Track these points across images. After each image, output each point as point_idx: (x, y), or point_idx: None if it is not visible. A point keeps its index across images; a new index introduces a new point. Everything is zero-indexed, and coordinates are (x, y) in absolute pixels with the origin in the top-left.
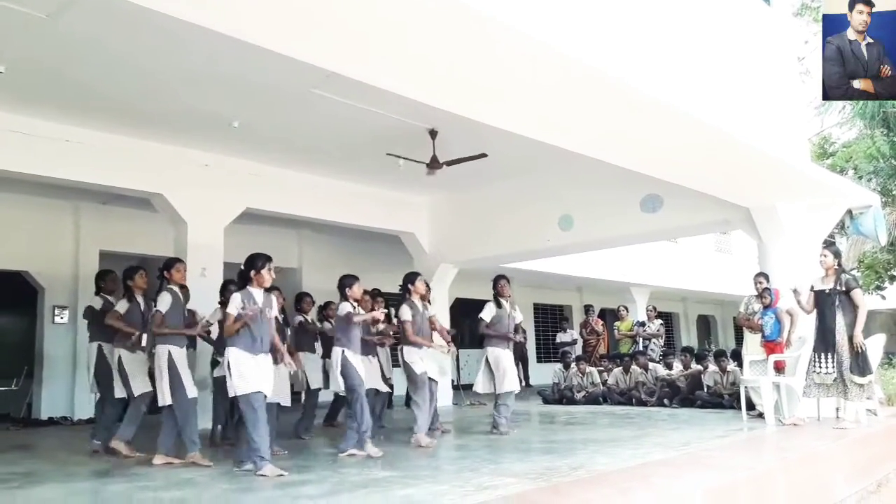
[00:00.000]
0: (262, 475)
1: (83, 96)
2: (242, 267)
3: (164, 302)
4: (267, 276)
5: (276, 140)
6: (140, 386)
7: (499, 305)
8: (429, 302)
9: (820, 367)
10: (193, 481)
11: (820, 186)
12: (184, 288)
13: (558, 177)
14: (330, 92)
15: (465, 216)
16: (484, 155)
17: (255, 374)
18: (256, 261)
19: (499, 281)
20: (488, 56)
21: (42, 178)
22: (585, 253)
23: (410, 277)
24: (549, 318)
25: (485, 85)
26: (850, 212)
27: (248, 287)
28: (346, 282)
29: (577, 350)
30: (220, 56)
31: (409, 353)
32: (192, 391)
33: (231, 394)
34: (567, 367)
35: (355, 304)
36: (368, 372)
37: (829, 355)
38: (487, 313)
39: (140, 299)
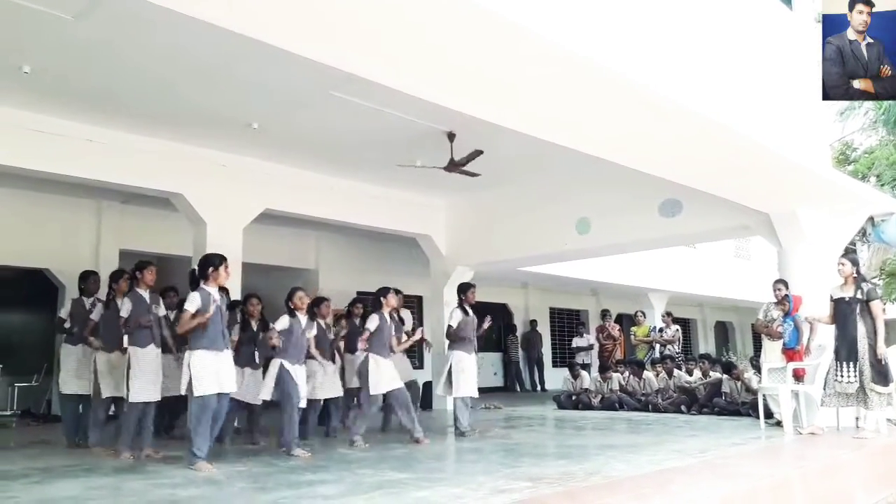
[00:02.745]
0: (196, 470)
1: (106, 97)
2: (197, 266)
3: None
4: (224, 273)
5: (295, 141)
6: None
7: (465, 313)
8: (400, 318)
9: (842, 376)
10: (211, 479)
11: (842, 192)
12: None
13: (576, 180)
14: (348, 94)
15: (482, 219)
16: (480, 152)
17: (215, 375)
18: (214, 259)
19: (469, 289)
20: (508, 59)
21: (64, 178)
22: (602, 257)
23: (383, 291)
24: (566, 322)
25: (504, 88)
26: (871, 219)
27: (203, 285)
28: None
29: (593, 354)
30: (241, 58)
31: (369, 362)
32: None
33: (187, 392)
34: (575, 376)
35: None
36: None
37: (851, 364)
38: (455, 319)
39: (145, 294)
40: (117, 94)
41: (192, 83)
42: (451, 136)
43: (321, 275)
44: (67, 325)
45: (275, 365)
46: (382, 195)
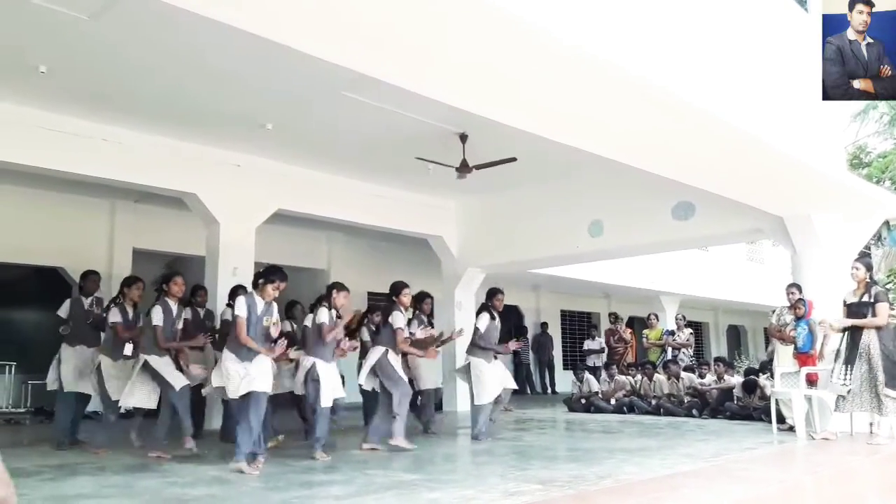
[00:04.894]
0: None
1: (120, 97)
2: (161, 281)
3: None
4: (175, 288)
5: (308, 142)
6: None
7: (492, 318)
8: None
9: (844, 378)
10: (223, 479)
11: (856, 196)
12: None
13: (589, 182)
14: (361, 95)
15: (494, 220)
16: (514, 159)
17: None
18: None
19: (497, 294)
20: (521, 60)
21: (79, 177)
22: (615, 260)
23: (422, 296)
24: (577, 325)
25: (516, 89)
26: (887, 223)
27: (165, 298)
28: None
29: (604, 358)
30: (254, 58)
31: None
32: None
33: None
34: (580, 380)
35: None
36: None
37: (849, 367)
38: (482, 323)
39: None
40: (132, 93)
41: (206, 83)
42: (463, 138)
43: (332, 275)
44: (65, 326)
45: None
46: (394, 196)
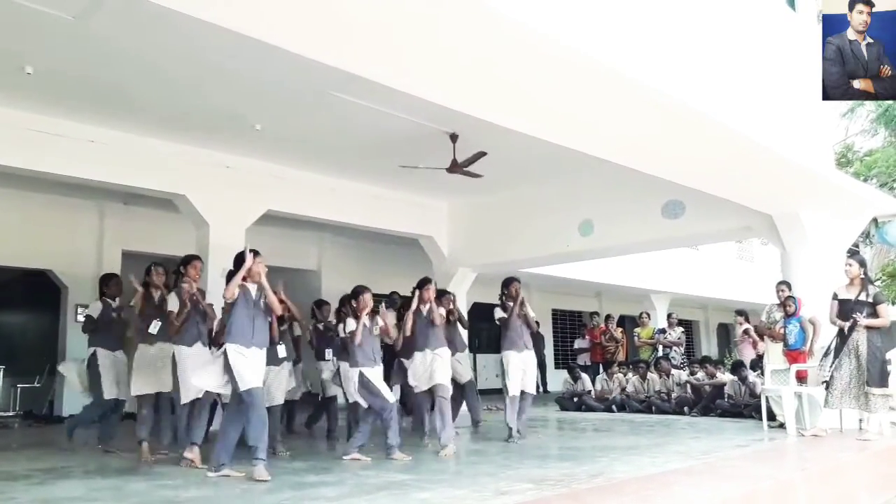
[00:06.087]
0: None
1: (108, 98)
2: (180, 264)
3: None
4: (193, 272)
5: (298, 142)
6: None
7: (504, 308)
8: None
9: (839, 372)
10: (212, 481)
11: (845, 194)
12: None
13: (579, 182)
14: (350, 95)
15: (485, 220)
16: (483, 153)
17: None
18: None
19: (512, 282)
20: (511, 60)
21: (66, 178)
22: (605, 259)
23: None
24: (568, 324)
25: (507, 89)
26: (875, 220)
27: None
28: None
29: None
30: (243, 58)
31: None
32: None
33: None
34: (575, 379)
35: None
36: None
37: (846, 361)
38: (498, 314)
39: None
40: (119, 94)
41: (195, 84)
42: (453, 138)
43: (323, 276)
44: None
45: (354, 372)
46: (385, 196)
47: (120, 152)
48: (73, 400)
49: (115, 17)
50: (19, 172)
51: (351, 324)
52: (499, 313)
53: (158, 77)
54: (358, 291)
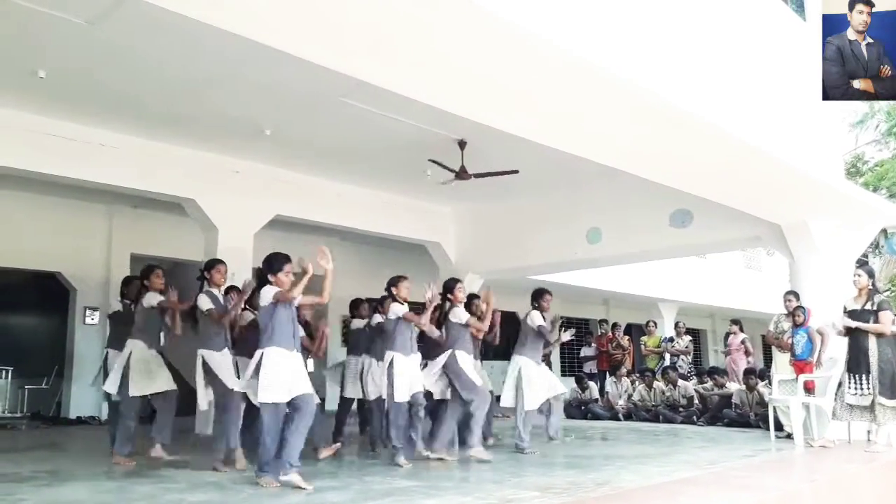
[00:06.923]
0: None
1: (119, 102)
2: (204, 269)
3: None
4: (218, 276)
5: (306, 148)
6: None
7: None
8: None
9: (856, 389)
10: (218, 484)
11: (854, 204)
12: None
13: (587, 189)
14: (359, 101)
15: (492, 227)
16: (515, 171)
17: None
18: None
19: (543, 295)
20: (520, 68)
21: (76, 182)
22: (613, 267)
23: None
24: (576, 332)
25: (515, 96)
26: (884, 231)
27: (210, 289)
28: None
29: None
30: (253, 64)
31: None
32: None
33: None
34: (584, 389)
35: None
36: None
37: (865, 376)
38: (538, 319)
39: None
40: (130, 99)
41: (205, 89)
42: (462, 144)
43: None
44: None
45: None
46: (392, 202)
47: (130, 156)
48: (79, 402)
49: (128, 22)
50: (30, 175)
51: (397, 308)
52: (538, 319)
53: (169, 82)
54: (396, 280)
